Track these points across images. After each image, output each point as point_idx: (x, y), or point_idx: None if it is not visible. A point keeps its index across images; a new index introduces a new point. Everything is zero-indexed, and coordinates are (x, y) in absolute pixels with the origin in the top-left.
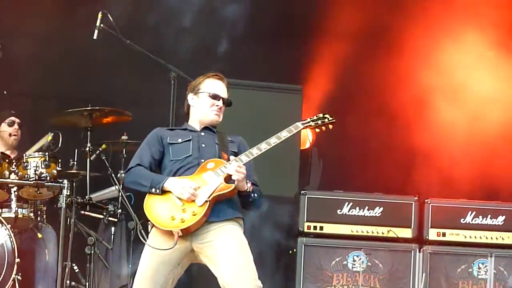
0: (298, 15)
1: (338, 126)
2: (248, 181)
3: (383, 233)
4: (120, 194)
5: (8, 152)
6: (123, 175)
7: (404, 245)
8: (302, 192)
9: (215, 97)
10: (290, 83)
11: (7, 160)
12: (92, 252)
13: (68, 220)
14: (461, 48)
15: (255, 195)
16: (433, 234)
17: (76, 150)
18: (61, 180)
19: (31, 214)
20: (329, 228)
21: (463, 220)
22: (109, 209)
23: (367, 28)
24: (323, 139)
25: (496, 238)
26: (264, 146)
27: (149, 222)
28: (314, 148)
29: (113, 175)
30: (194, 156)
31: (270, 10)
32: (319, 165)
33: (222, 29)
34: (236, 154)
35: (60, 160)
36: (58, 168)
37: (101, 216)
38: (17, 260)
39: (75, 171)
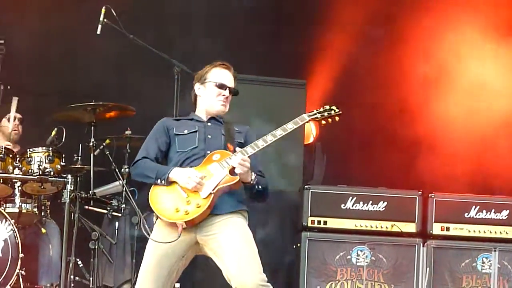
0: (302, 9)
1: (342, 120)
2: (252, 173)
3: (387, 227)
4: (124, 189)
5: (10, 146)
6: (127, 170)
7: (408, 239)
8: (306, 186)
9: (221, 86)
10: (294, 78)
11: (10, 155)
12: (96, 247)
13: (72, 215)
14: (466, 41)
15: (259, 186)
16: (437, 228)
17: (80, 145)
18: (65, 175)
19: (35, 209)
20: (333, 223)
21: (467, 215)
22: (113, 204)
23: (370, 21)
24: (326, 133)
25: (500, 233)
26: (270, 138)
27: (154, 214)
28: (317, 143)
29: (117, 170)
30: (200, 148)
31: (273, 3)
32: (323, 159)
33: (225, 24)
34: (242, 145)
35: (64, 155)
36: (62, 163)
37: (105, 211)
38: (21, 255)
39: (79, 166)
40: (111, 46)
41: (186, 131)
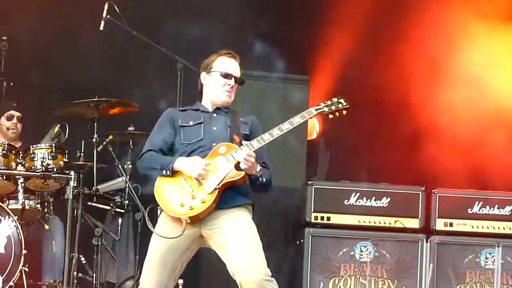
0: (304, 4)
1: (345, 116)
2: (258, 165)
3: (390, 223)
4: (127, 185)
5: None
6: (130, 166)
7: (411, 235)
8: (309, 182)
9: (226, 76)
10: (297, 73)
11: (14, 152)
12: (99, 243)
13: (75, 212)
14: (469, 36)
15: (264, 179)
16: (440, 224)
17: (83, 141)
18: (68, 172)
19: (38, 206)
20: (336, 219)
21: (471, 210)
22: (116, 200)
23: (373, 16)
24: (330, 129)
25: (504, 228)
26: (276, 132)
27: (158, 207)
28: (321, 139)
29: (120, 166)
30: (205, 140)
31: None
32: (326, 155)
33: (228, 20)
34: (247, 137)
35: (67, 152)
36: (65, 160)
37: (108, 207)
38: (24, 251)
39: (82, 163)
40: (114, 42)
41: (191, 123)
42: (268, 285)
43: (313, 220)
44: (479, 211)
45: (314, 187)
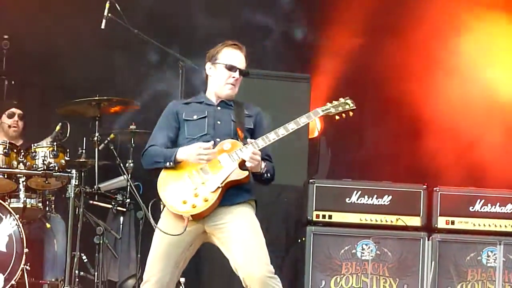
0: (306, 2)
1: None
2: (262, 162)
3: (392, 221)
4: (128, 184)
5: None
6: (131, 164)
7: (413, 233)
8: (310, 180)
9: (231, 68)
10: (298, 72)
11: (15, 150)
12: (101, 242)
13: (77, 210)
14: (469, 34)
15: (268, 175)
16: (442, 222)
17: (84, 139)
18: (69, 170)
19: (40, 204)
20: (338, 217)
21: (472, 208)
22: (117, 199)
23: (374, 16)
24: (331, 127)
25: (505, 226)
26: (282, 132)
27: (161, 201)
28: (322, 137)
29: (121, 164)
30: (209, 135)
31: None
32: (327, 153)
33: (229, 19)
34: (252, 131)
35: (68, 150)
36: (67, 158)
37: (110, 206)
38: (26, 250)
39: (83, 161)
40: (115, 41)
41: (195, 117)
42: (271, 282)
43: (314, 218)
44: (480, 209)
45: (316, 185)
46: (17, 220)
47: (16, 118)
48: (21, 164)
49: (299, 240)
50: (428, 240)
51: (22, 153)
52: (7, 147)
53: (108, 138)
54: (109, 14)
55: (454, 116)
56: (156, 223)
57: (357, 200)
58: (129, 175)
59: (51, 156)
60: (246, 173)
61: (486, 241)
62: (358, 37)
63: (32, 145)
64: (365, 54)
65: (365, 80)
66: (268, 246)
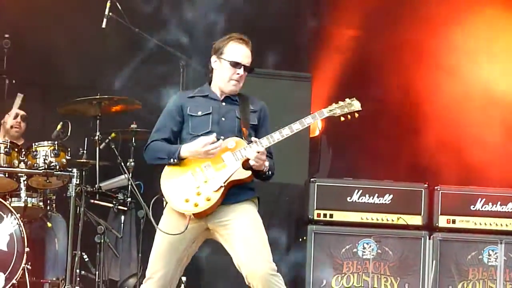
0: (307, 2)
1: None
2: (266, 161)
3: (393, 220)
4: (129, 183)
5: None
6: (132, 163)
7: (414, 232)
8: (311, 179)
9: (236, 65)
10: (299, 71)
11: (16, 149)
12: (102, 241)
13: (78, 209)
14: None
15: (270, 172)
16: (443, 221)
17: (85, 139)
18: (70, 169)
19: (41, 203)
20: (339, 216)
21: (473, 207)
22: (118, 198)
23: (375, 16)
24: (332, 126)
25: (506, 225)
26: (286, 132)
27: (164, 198)
28: (323, 136)
29: (122, 163)
30: (213, 132)
31: None
32: (328, 152)
33: (230, 17)
34: (255, 127)
35: (69, 149)
36: (68, 157)
37: (111, 205)
38: (27, 249)
39: (84, 160)
40: (116, 40)
41: (200, 113)
42: (273, 279)
43: (315, 217)
44: (481, 208)
45: (317, 184)
46: (18, 219)
47: (19, 119)
48: (22, 163)
49: (300, 239)
50: (429, 239)
51: (23, 152)
52: (8, 146)
53: (109, 137)
54: (110, 14)
55: (455, 115)
56: (158, 221)
57: (358, 199)
58: (130, 174)
59: (52, 155)
60: (249, 172)
61: (487, 240)
62: (360, 36)
63: (33, 144)
64: (366, 53)
65: (366, 79)
66: (269, 245)
